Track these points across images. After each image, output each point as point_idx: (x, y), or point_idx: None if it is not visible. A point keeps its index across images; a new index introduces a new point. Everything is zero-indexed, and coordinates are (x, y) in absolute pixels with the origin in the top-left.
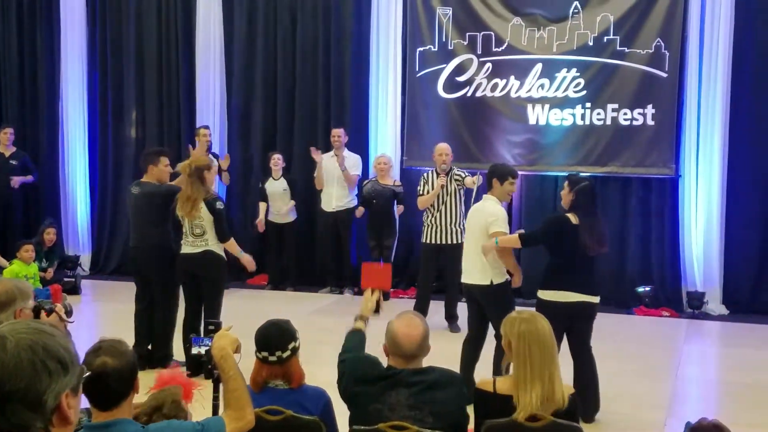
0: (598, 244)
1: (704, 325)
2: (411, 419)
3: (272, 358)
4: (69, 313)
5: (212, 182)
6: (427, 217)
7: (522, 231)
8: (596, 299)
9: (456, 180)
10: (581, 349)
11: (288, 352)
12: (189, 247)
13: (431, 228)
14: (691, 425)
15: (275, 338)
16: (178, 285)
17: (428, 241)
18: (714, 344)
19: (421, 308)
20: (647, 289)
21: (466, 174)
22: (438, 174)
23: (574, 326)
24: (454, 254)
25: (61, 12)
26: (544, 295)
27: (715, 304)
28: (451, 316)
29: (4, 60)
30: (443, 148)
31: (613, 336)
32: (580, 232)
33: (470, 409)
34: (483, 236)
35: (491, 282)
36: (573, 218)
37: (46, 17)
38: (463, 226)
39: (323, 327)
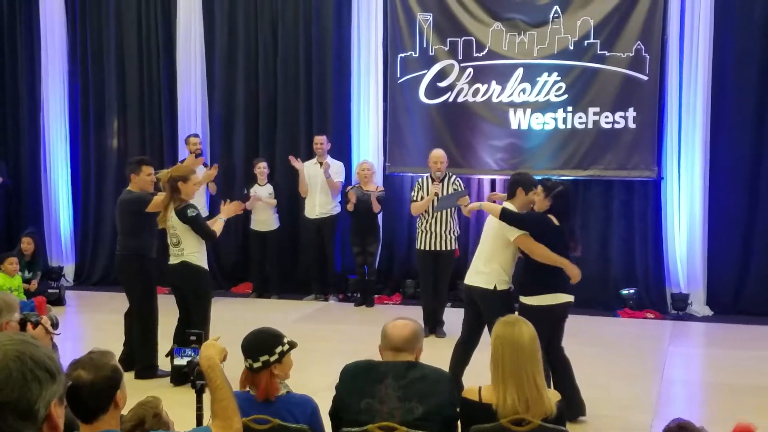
0: (576, 246)
1: (689, 326)
2: (401, 410)
3: (246, 364)
4: (55, 325)
5: (190, 193)
6: (422, 223)
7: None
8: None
9: (454, 187)
10: (557, 350)
11: (259, 364)
12: (171, 257)
13: (426, 234)
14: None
15: (252, 346)
16: (153, 294)
17: (423, 248)
18: (699, 345)
19: (429, 314)
20: (631, 291)
21: (464, 191)
22: (433, 180)
23: (554, 328)
24: (447, 261)
25: (41, 22)
26: (535, 300)
27: (699, 305)
28: (437, 321)
29: None
30: (438, 155)
31: (598, 339)
32: (564, 234)
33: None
34: (498, 241)
35: (495, 287)
36: (554, 219)
37: (26, 28)
38: (457, 233)
39: (308, 334)
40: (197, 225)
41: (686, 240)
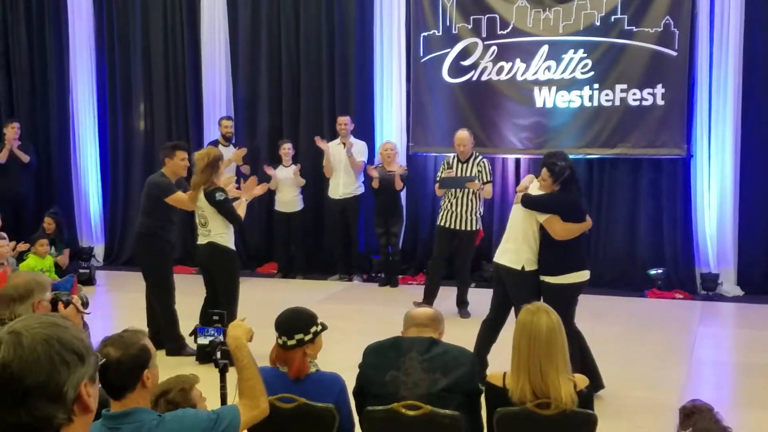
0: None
1: (719, 306)
2: (426, 381)
3: (279, 341)
4: (85, 304)
5: (218, 175)
6: (445, 201)
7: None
8: None
9: (478, 169)
10: (570, 325)
11: (293, 342)
12: (199, 237)
13: (447, 213)
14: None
15: (287, 324)
16: (167, 271)
17: (443, 224)
18: (729, 326)
19: (432, 289)
20: (660, 271)
21: (484, 179)
22: (459, 160)
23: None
24: (468, 240)
25: (69, 7)
26: (558, 279)
27: (729, 285)
28: (462, 302)
29: (15, 56)
30: (461, 137)
31: (627, 319)
32: (582, 204)
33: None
34: (527, 222)
35: (522, 267)
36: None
37: (53, 12)
38: (480, 212)
39: (334, 314)
40: (224, 209)
41: (716, 219)
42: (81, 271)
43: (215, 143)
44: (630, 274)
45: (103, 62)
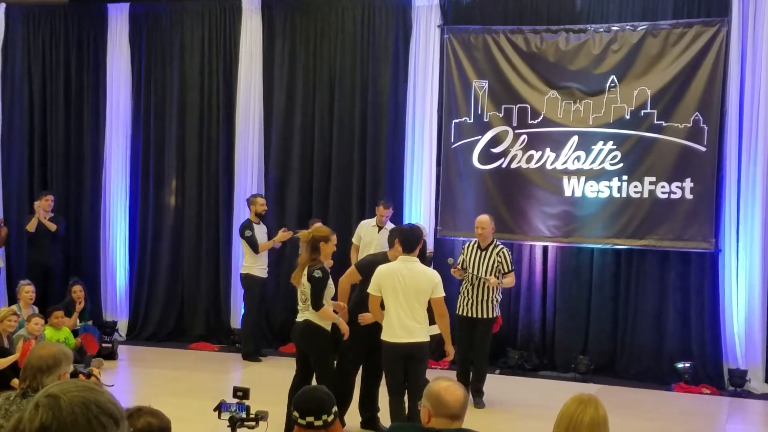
0: None
1: (747, 403)
2: None
3: (318, 423)
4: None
5: (329, 253)
6: (463, 287)
7: None
8: None
9: (498, 259)
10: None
11: (332, 416)
12: (299, 314)
13: (465, 300)
14: None
15: (320, 402)
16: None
17: (461, 313)
18: (758, 424)
19: (463, 381)
20: (687, 365)
21: (504, 269)
22: (480, 248)
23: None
24: (484, 328)
25: (107, 82)
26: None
27: (757, 382)
28: (476, 391)
29: (52, 128)
30: (481, 220)
31: (653, 413)
32: None
33: None
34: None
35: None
36: None
37: (92, 87)
38: (498, 300)
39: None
40: (316, 287)
41: (744, 314)
42: (103, 345)
43: (248, 222)
44: (657, 367)
45: (138, 137)
